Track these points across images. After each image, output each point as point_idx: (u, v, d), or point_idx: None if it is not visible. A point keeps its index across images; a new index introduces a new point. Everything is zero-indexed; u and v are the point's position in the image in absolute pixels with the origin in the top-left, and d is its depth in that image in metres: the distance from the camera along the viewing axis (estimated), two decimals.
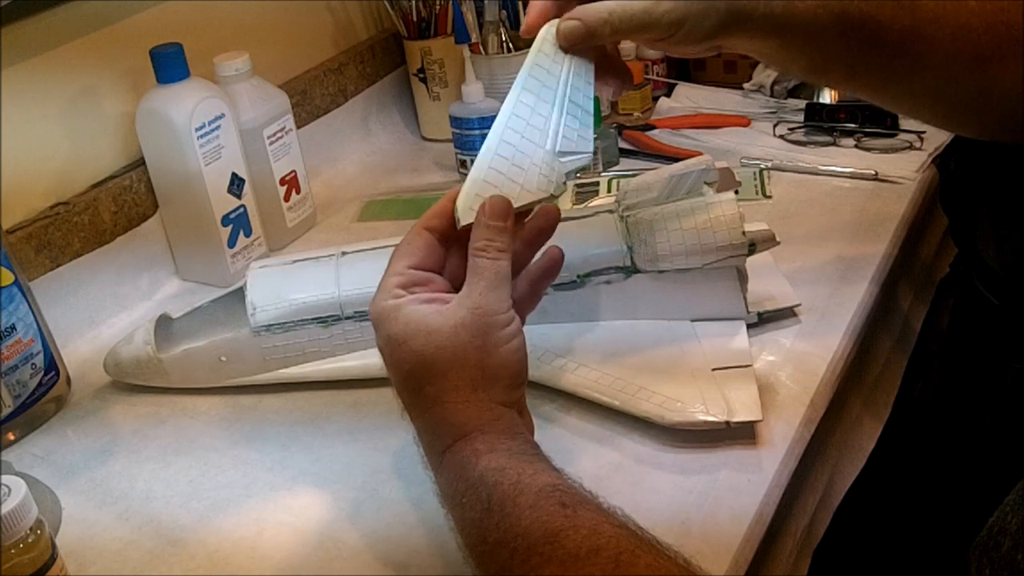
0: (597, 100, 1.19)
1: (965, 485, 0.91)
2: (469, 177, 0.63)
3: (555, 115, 0.66)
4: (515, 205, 0.62)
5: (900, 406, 0.93)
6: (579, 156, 0.66)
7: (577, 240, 0.78)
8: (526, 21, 0.66)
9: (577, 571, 0.47)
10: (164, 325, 0.84)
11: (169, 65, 0.94)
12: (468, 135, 1.15)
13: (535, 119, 0.66)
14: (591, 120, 0.68)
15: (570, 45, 0.64)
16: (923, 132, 1.11)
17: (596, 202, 1.01)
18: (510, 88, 0.66)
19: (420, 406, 0.58)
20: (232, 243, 1.01)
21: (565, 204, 1.06)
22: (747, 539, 0.63)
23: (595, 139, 1.11)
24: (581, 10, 0.63)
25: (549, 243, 0.66)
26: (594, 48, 0.67)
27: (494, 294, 0.58)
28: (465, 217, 0.61)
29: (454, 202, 0.62)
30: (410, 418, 0.60)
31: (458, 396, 0.57)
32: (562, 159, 0.65)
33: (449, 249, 0.62)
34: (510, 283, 0.59)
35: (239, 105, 1.01)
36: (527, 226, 0.64)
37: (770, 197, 1.05)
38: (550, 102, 0.67)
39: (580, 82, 0.68)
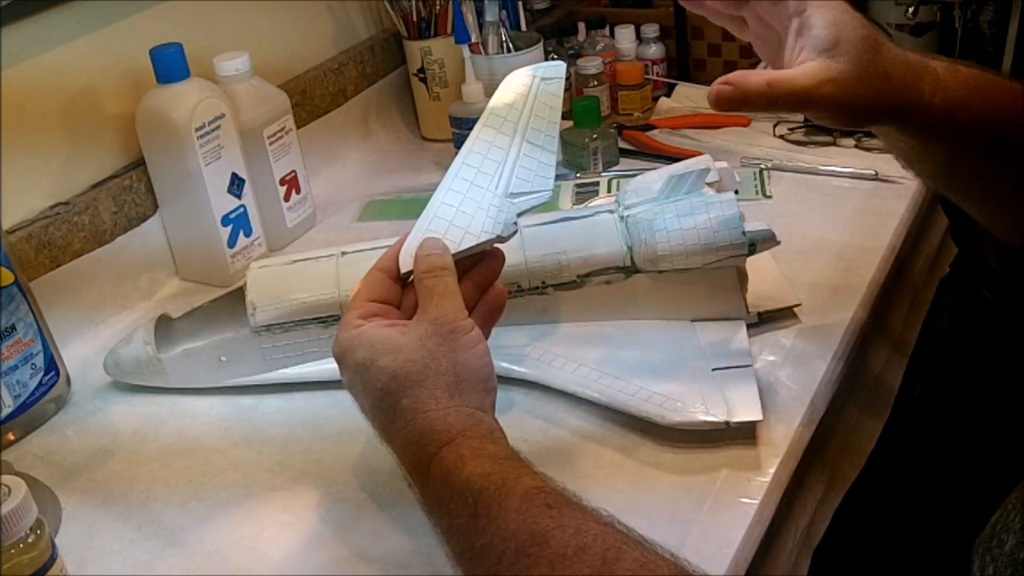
0: (593, 102, 1.20)
1: (965, 484, 0.91)
2: (415, 225, 0.66)
3: (511, 156, 0.68)
4: (459, 249, 0.64)
5: (900, 406, 0.93)
6: (534, 196, 0.68)
7: (577, 240, 0.78)
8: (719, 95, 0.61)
9: (565, 570, 0.48)
10: (164, 325, 0.84)
11: (169, 65, 0.94)
12: (468, 135, 1.15)
13: (487, 164, 0.68)
14: (552, 159, 0.69)
15: (720, 108, 0.62)
16: None
17: (596, 202, 1.00)
18: None
19: (401, 420, 0.58)
20: (232, 243, 1.01)
21: (565, 204, 1.07)
22: (747, 539, 0.63)
23: (594, 140, 1.12)
24: (739, 75, 0.61)
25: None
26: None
27: (448, 304, 0.61)
28: (406, 265, 0.64)
29: None
30: (388, 442, 0.60)
31: (437, 404, 0.58)
32: (515, 200, 0.67)
33: (404, 289, 0.65)
34: (460, 295, 0.62)
35: (239, 105, 1.01)
36: (477, 267, 0.66)
37: (770, 197, 1.05)
38: (505, 147, 0.68)
39: (541, 123, 0.69)
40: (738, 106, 0.61)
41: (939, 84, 0.62)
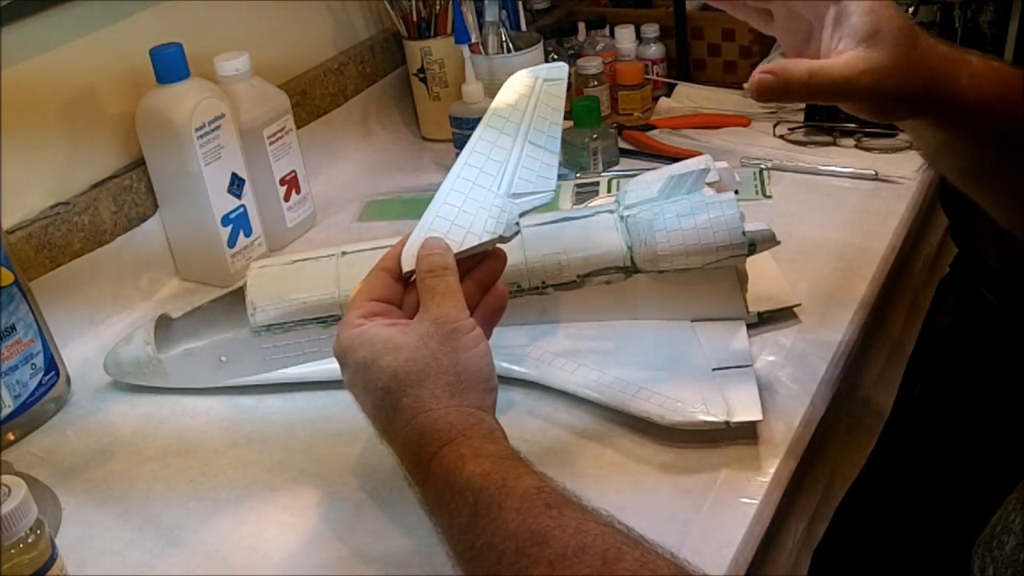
0: (593, 102, 1.20)
1: (965, 485, 0.91)
2: (417, 225, 0.66)
3: (514, 157, 0.69)
4: (461, 248, 0.64)
5: (900, 406, 0.93)
6: (536, 196, 0.68)
7: (577, 240, 0.78)
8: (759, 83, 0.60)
9: (565, 570, 0.48)
10: (164, 325, 0.84)
11: (169, 65, 0.94)
12: (468, 135, 1.14)
13: (489, 165, 0.68)
14: (555, 159, 0.69)
15: (761, 98, 0.60)
16: None
17: (596, 202, 1.00)
18: None
19: (401, 419, 0.58)
20: (232, 243, 1.01)
21: (565, 204, 1.07)
22: (747, 539, 0.63)
23: (594, 140, 1.12)
24: (782, 64, 0.60)
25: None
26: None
27: (449, 303, 0.60)
28: (408, 264, 0.64)
29: None
30: (389, 441, 0.60)
31: (439, 403, 0.58)
32: (517, 200, 0.67)
33: (406, 289, 0.65)
34: (462, 295, 0.62)
35: (239, 105, 1.01)
36: (479, 267, 0.66)
37: (770, 197, 1.05)
38: (508, 147, 0.69)
39: (544, 124, 0.70)
40: (778, 96, 0.60)
41: (974, 78, 0.62)
